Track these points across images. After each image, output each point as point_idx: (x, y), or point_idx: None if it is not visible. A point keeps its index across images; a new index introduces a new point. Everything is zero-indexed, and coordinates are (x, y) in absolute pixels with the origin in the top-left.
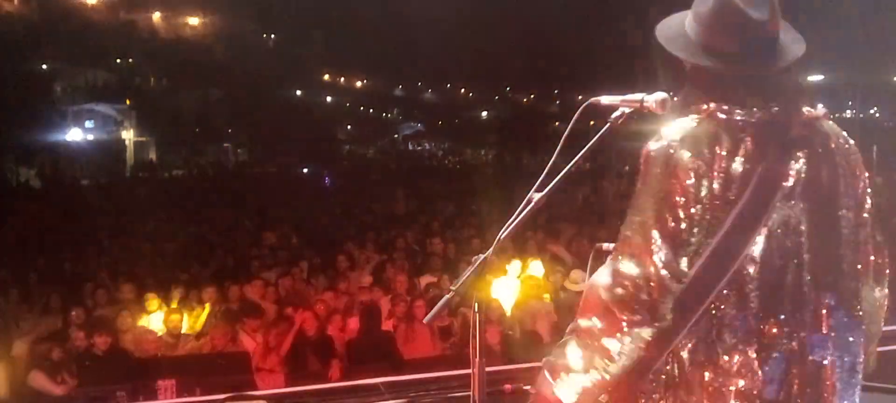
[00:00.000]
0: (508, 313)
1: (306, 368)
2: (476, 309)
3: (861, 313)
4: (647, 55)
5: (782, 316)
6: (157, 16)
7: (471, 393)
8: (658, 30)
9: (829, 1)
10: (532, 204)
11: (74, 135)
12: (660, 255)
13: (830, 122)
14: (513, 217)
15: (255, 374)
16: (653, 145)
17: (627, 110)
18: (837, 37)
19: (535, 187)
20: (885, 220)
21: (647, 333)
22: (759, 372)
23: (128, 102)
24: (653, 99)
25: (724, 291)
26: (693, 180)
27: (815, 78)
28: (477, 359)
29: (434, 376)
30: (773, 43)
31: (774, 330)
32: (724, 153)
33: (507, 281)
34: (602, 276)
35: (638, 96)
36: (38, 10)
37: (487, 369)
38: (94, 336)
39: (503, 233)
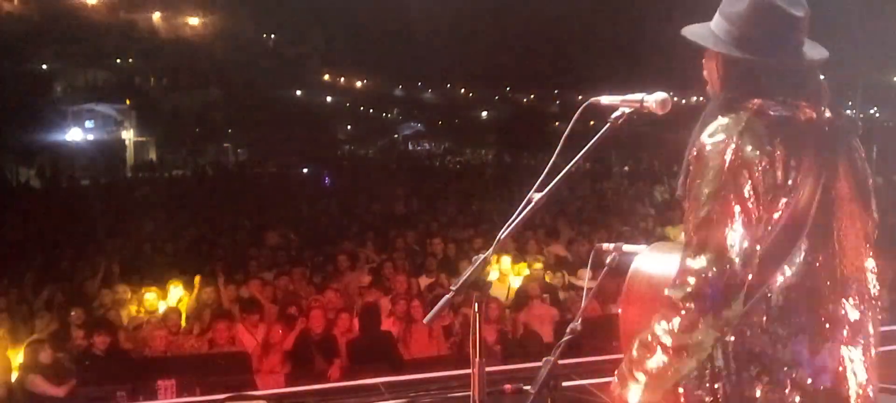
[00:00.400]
0: (508, 313)
1: (308, 367)
2: (476, 309)
3: (879, 303)
4: (647, 55)
5: (830, 306)
6: (157, 16)
7: (471, 393)
8: (686, 31)
9: (829, 1)
10: (532, 204)
11: (74, 135)
12: (732, 247)
13: (857, 123)
14: (513, 217)
15: (256, 374)
16: (708, 140)
17: (627, 110)
18: (837, 37)
19: (535, 187)
20: (885, 220)
21: (719, 324)
22: (813, 361)
23: (128, 102)
24: (653, 99)
25: (778, 278)
26: (758, 173)
27: None
28: (477, 359)
29: (434, 376)
30: (802, 44)
31: (822, 318)
32: (780, 147)
33: (507, 281)
34: (662, 267)
35: (638, 96)
36: (38, 10)
37: (487, 369)
38: (94, 336)
39: (503, 233)
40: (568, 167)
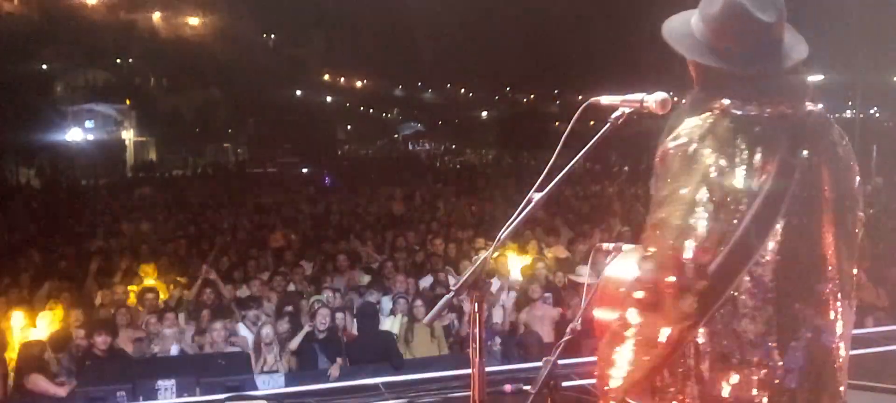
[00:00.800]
0: (508, 313)
1: (310, 366)
2: (476, 309)
3: (855, 302)
4: (647, 55)
5: (797, 305)
6: (157, 16)
7: (471, 393)
8: (665, 29)
9: (830, 1)
10: (532, 204)
11: (74, 135)
12: (685, 251)
13: (830, 119)
14: (513, 216)
15: (256, 374)
16: (671, 143)
17: (627, 110)
18: (837, 37)
19: (535, 187)
20: (885, 220)
21: (671, 330)
22: (781, 361)
23: (128, 102)
24: (653, 99)
25: (746, 278)
26: (716, 174)
27: (815, 78)
28: (477, 359)
29: (434, 376)
30: (779, 45)
31: (791, 319)
32: (743, 146)
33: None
34: (626, 272)
35: (638, 96)
36: (38, 10)
37: (487, 369)
38: (95, 336)
39: (504, 233)
40: (568, 167)
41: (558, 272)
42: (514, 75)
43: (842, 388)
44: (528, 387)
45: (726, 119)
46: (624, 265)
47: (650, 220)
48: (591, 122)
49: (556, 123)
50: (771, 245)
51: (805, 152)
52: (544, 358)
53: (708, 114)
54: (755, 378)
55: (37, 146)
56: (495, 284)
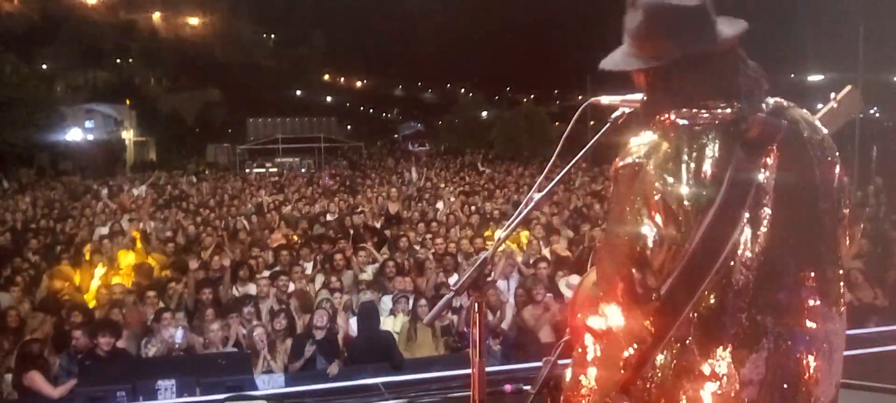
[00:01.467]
0: (510, 313)
1: (309, 366)
2: (476, 309)
3: (843, 307)
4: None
5: (759, 317)
6: (157, 16)
7: (471, 393)
8: (604, 65)
9: (830, 1)
10: (532, 203)
11: (74, 135)
12: (632, 271)
13: (802, 111)
14: (513, 216)
15: (256, 374)
16: (621, 162)
17: (627, 110)
18: (837, 37)
19: (535, 187)
20: (885, 220)
21: (631, 352)
22: (737, 375)
23: (128, 102)
24: None
25: (706, 293)
26: (660, 193)
27: (816, 78)
28: (477, 359)
29: (434, 376)
30: (712, 25)
31: (754, 330)
32: (690, 160)
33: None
34: (586, 289)
35: (638, 96)
36: (38, 10)
37: (487, 369)
38: (96, 337)
39: (504, 233)
40: (568, 167)
41: (559, 271)
42: (514, 75)
43: (823, 400)
44: (528, 387)
45: (672, 132)
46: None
47: (602, 242)
48: (592, 122)
49: (556, 123)
50: (736, 254)
51: (769, 155)
52: (544, 358)
53: (654, 128)
54: (711, 393)
55: (37, 146)
56: (502, 285)
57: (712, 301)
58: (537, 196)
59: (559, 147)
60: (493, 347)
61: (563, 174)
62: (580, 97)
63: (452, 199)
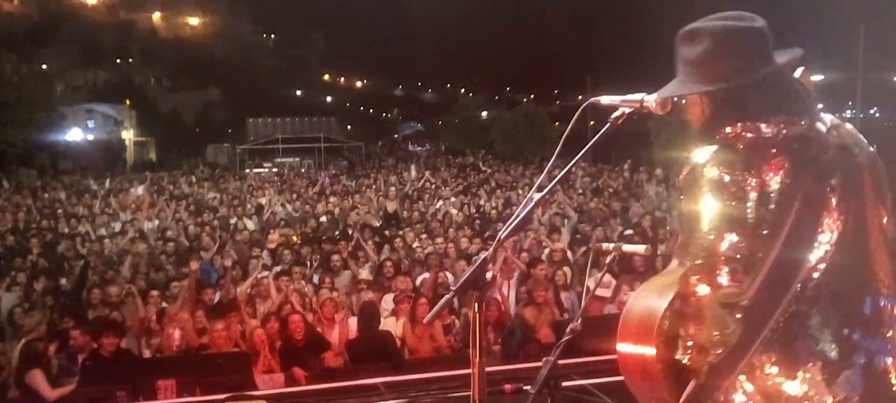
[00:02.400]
0: (510, 312)
1: (308, 366)
2: (476, 309)
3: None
4: (647, 55)
5: (845, 330)
6: (157, 16)
7: (471, 393)
8: (664, 93)
9: (830, 1)
10: (532, 203)
11: (74, 135)
12: (721, 278)
13: (850, 126)
14: (513, 216)
15: (256, 374)
16: (685, 171)
17: (627, 110)
18: (837, 37)
19: (535, 187)
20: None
21: (715, 354)
22: (832, 385)
23: (128, 102)
24: (652, 99)
25: (792, 308)
26: (721, 203)
27: (815, 78)
28: (477, 359)
29: (434, 376)
30: (772, 46)
31: (842, 343)
32: (752, 172)
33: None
34: (649, 303)
35: (638, 96)
36: (38, 10)
37: (487, 369)
38: (96, 337)
39: (504, 233)
40: (568, 167)
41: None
42: (514, 75)
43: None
44: (528, 387)
45: (737, 144)
46: (645, 297)
47: (694, 247)
48: (592, 122)
49: (557, 123)
50: (819, 268)
51: (837, 176)
52: (544, 358)
53: (719, 140)
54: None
55: (37, 146)
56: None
57: (802, 312)
58: (537, 196)
59: (559, 147)
60: (493, 347)
61: (564, 174)
62: (580, 97)
63: (453, 199)
